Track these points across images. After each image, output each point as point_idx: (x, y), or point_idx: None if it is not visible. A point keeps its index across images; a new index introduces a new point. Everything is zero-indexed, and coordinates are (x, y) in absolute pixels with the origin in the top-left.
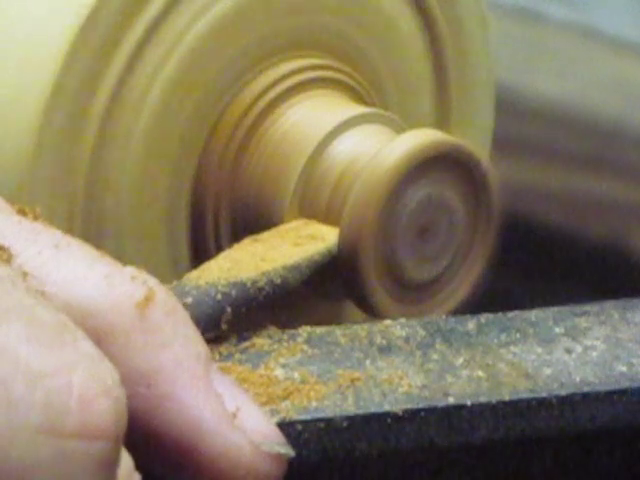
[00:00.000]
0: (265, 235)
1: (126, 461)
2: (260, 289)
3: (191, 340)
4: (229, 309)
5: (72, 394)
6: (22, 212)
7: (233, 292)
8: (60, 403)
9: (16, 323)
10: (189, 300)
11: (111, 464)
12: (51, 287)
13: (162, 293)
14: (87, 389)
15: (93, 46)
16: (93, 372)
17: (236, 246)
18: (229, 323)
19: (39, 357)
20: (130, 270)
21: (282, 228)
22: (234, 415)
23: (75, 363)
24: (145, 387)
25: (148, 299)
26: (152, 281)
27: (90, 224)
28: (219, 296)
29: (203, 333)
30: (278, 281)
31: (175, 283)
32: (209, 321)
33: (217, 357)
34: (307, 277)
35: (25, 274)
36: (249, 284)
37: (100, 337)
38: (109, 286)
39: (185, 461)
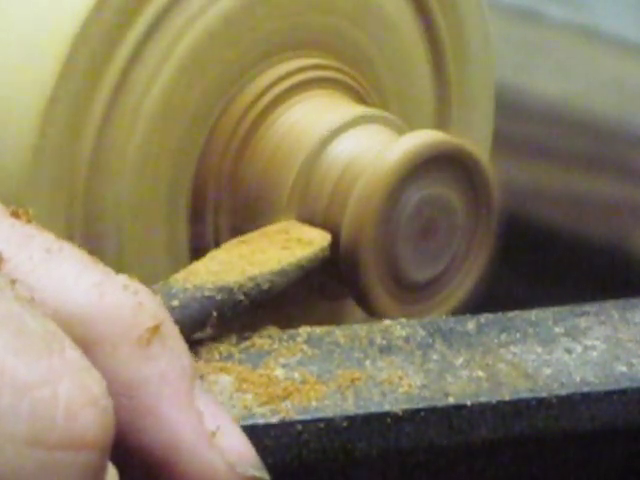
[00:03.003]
0: (252, 236)
1: (112, 473)
2: (246, 294)
3: (178, 355)
4: (215, 313)
5: (58, 405)
6: (15, 214)
7: (220, 296)
8: (46, 414)
9: (3, 333)
10: (176, 303)
11: (97, 474)
12: (41, 293)
13: (152, 305)
14: (73, 399)
15: (93, 46)
16: (79, 382)
17: (223, 247)
18: (215, 327)
19: (26, 368)
20: (122, 279)
21: (269, 230)
22: (213, 434)
23: (62, 373)
24: (128, 398)
25: (138, 311)
26: (143, 291)
27: (90, 224)
28: (205, 300)
29: (188, 336)
30: (265, 286)
31: (161, 284)
32: (195, 324)
33: (217, 357)
34: (294, 281)
35: (14, 281)
36: (236, 288)
37: (87, 345)
38: (100, 295)
39: (160, 476)
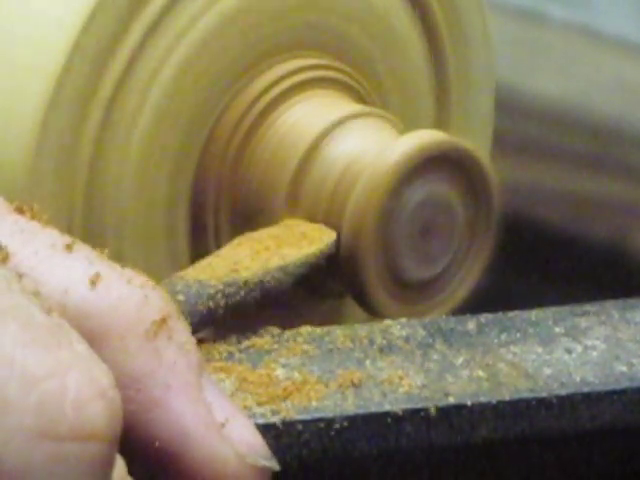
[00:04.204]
0: (258, 234)
1: (120, 465)
2: (252, 290)
3: (185, 347)
4: (220, 309)
5: (66, 397)
6: (20, 210)
7: (225, 292)
8: (54, 406)
9: (11, 325)
10: (181, 298)
11: (106, 466)
12: (46, 288)
13: (159, 298)
14: (81, 391)
15: (93, 47)
16: (88, 374)
17: (228, 245)
18: (220, 323)
19: (34, 360)
20: (127, 272)
21: (275, 228)
22: (222, 425)
23: (70, 365)
24: (135, 391)
25: (144, 304)
26: (149, 285)
27: (90, 223)
28: (210, 296)
29: (193, 332)
30: (270, 282)
31: (166, 281)
32: (200, 320)
33: (217, 357)
34: (299, 278)
35: (20, 275)
36: (241, 284)
37: (94, 339)
38: (105, 288)
39: (170, 468)
